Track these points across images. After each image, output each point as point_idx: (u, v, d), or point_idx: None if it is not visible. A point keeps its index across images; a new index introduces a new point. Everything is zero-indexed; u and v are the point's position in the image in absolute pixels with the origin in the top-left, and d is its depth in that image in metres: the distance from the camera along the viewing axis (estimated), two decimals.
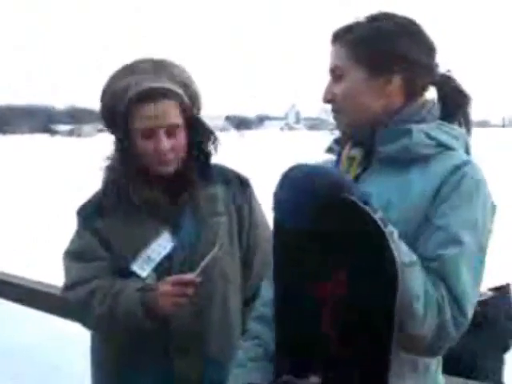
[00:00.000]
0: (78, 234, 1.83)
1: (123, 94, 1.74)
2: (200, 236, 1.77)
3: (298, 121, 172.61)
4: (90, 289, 1.71)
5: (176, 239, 1.74)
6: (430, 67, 1.37)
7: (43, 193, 18.03)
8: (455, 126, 1.38)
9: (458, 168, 1.25)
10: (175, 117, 1.75)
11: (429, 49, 1.37)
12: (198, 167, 1.82)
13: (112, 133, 1.85)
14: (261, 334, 1.43)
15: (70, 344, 3.68)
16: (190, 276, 1.65)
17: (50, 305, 2.82)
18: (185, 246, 1.74)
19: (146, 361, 1.74)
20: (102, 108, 1.84)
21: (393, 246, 1.10)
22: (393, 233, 1.14)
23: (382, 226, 1.11)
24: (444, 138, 1.31)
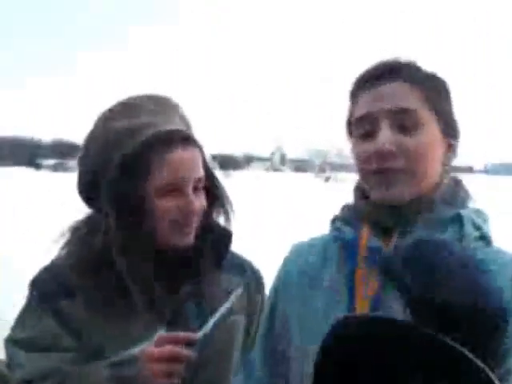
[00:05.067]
0: (34, 314, 1.35)
1: (127, 139, 1.29)
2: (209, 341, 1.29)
3: (283, 162, 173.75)
4: None
5: None
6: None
7: (27, 223, 17.86)
8: (482, 210, 1.13)
9: None
10: (201, 169, 1.37)
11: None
12: (213, 244, 1.44)
13: (92, 195, 1.36)
14: None
15: None
16: (187, 334, 1.23)
17: None
18: None
19: None
20: (87, 158, 1.36)
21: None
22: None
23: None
24: (486, 228, 1.08)
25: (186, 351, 1.19)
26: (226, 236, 1.46)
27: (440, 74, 1.10)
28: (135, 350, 1.24)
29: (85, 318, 1.32)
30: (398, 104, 1.04)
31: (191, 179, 1.33)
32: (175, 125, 1.34)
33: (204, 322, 1.27)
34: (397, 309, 0.93)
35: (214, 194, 1.44)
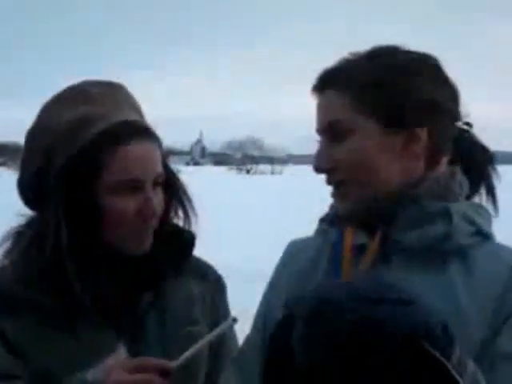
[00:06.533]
0: None
1: (78, 130, 1.16)
2: (170, 353, 1.17)
3: (203, 155, 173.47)
4: None
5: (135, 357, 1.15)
6: (456, 117, 1.07)
7: None
8: (483, 205, 1.09)
9: None
10: (160, 164, 1.23)
11: (453, 91, 1.05)
12: (173, 249, 1.29)
13: (37, 194, 1.20)
14: None
15: None
16: (162, 361, 1.09)
17: None
18: None
19: None
20: (32, 152, 1.21)
21: None
22: (475, 373, 0.84)
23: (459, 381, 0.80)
24: (483, 222, 1.02)
25: (160, 381, 1.07)
26: (187, 240, 1.32)
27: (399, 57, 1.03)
28: (95, 372, 1.11)
29: (33, 338, 1.16)
30: (323, 117, 1.04)
31: (151, 175, 1.19)
32: (129, 115, 1.21)
33: (163, 334, 1.24)
34: None
35: (172, 192, 1.29)
